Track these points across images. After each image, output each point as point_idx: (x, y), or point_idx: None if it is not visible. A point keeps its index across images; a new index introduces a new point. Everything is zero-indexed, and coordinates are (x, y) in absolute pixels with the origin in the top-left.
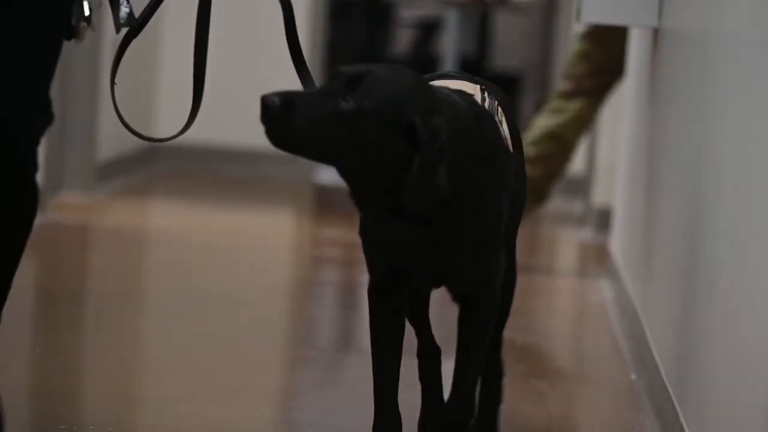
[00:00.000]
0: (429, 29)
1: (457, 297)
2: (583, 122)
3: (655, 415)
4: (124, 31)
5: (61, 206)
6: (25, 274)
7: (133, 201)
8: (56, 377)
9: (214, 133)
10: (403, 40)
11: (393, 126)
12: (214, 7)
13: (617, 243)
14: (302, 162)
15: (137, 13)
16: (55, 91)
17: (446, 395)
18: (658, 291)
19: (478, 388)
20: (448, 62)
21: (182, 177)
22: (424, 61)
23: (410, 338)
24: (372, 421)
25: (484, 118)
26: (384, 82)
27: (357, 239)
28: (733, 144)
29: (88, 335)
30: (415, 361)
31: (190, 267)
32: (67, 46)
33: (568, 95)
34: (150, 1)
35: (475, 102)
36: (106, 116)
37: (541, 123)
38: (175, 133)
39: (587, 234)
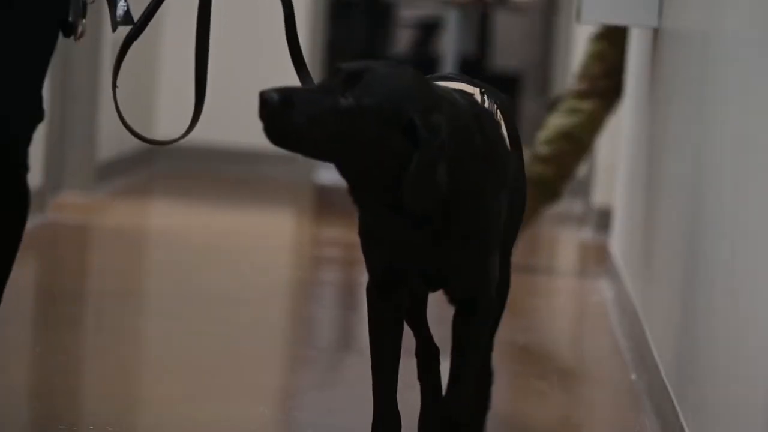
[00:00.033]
0: (429, 29)
1: (453, 298)
2: (597, 122)
3: (655, 415)
4: (122, 29)
5: (61, 206)
6: (25, 274)
7: (133, 201)
8: (56, 377)
9: (214, 133)
10: (403, 40)
11: (392, 123)
12: (214, 7)
13: (617, 243)
14: (302, 162)
15: (136, 14)
16: (55, 91)
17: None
18: (658, 291)
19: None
20: (448, 62)
21: (182, 177)
22: (424, 61)
23: (409, 338)
24: (371, 421)
25: (484, 116)
26: (384, 78)
27: (357, 239)
28: (733, 144)
29: (88, 335)
30: (413, 362)
31: (190, 267)
32: (67, 44)
33: (582, 95)
34: (148, 5)
35: (475, 101)
36: (106, 116)
37: (555, 122)
38: (175, 133)
39: (587, 234)
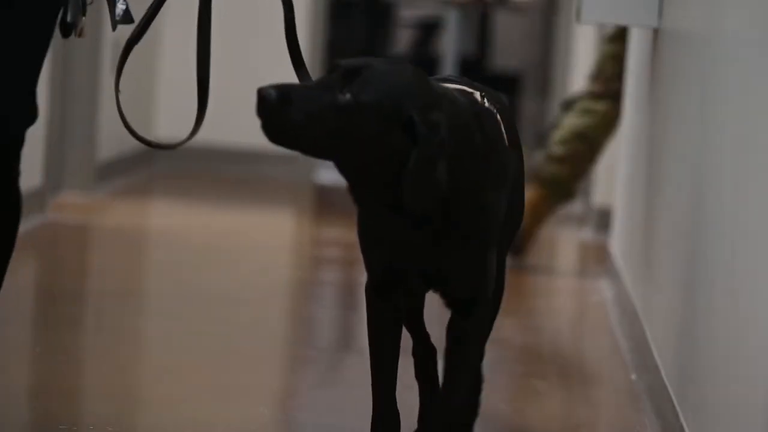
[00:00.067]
0: (429, 29)
1: (451, 299)
2: (611, 123)
3: (655, 415)
4: (122, 29)
5: (61, 206)
6: (25, 274)
7: (133, 201)
8: (56, 377)
9: (214, 133)
10: (403, 40)
11: (391, 120)
12: (214, 8)
13: (617, 243)
14: (302, 162)
15: (135, 13)
16: (55, 91)
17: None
18: (658, 291)
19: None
20: (448, 62)
21: (182, 177)
22: (424, 61)
23: (406, 338)
24: (370, 420)
25: (484, 115)
26: (382, 75)
27: (357, 239)
28: (733, 144)
29: (88, 335)
30: (411, 362)
31: (190, 267)
32: (67, 44)
33: (596, 96)
34: (149, 8)
35: (475, 100)
36: (106, 116)
37: (569, 123)
38: (175, 133)
39: (587, 234)
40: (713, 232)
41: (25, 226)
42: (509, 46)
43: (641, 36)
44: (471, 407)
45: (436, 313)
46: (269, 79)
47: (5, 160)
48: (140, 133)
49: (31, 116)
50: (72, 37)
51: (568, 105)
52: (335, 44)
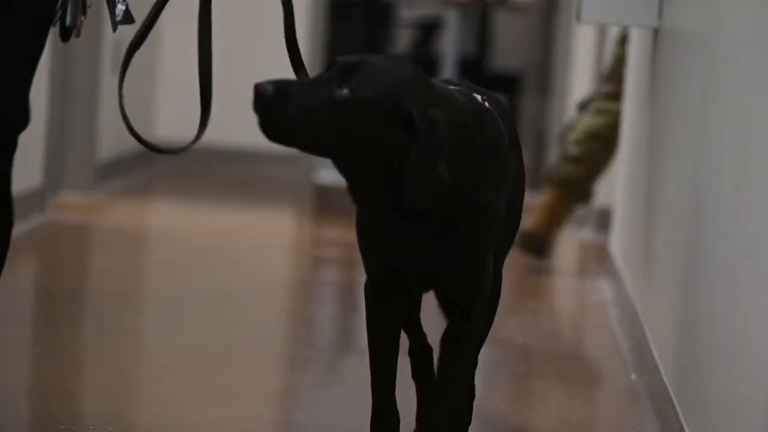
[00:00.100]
0: (429, 29)
1: (447, 301)
2: None
3: (655, 415)
4: (122, 30)
5: (61, 206)
6: (25, 274)
7: (133, 201)
8: (56, 377)
9: (214, 133)
10: (403, 40)
11: (389, 116)
12: (214, 8)
13: (617, 243)
14: (302, 162)
15: (135, 13)
16: (55, 91)
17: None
18: (658, 291)
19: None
20: (448, 62)
21: (182, 177)
22: (424, 61)
23: (403, 338)
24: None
25: (484, 115)
26: (381, 71)
27: (356, 239)
28: (733, 144)
29: (88, 335)
30: (409, 362)
31: (190, 267)
32: (68, 44)
33: (610, 96)
34: (149, 14)
35: (475, 99)
36: (106, 116)
37: (584, 123)
38: (174, 133)
39: (587, 234)
40: (713, 232)
41: (25, 226)
42: (509, 46)
43: (641, 36)
44: (464, 416)
45: (433, 313)
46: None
47: (4, 160)
48: (140, 133)
49: (25, 119)
50: (71, 39)
51: (584, 106)
52: (335, 44)
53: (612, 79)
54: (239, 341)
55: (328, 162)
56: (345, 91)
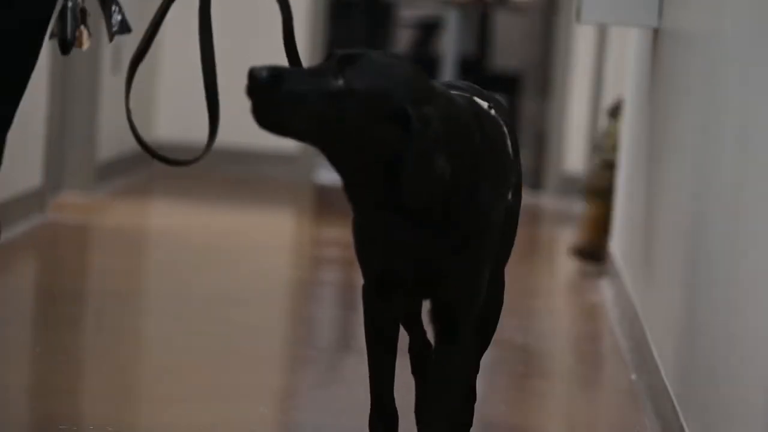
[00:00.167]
0: (429, 29)
1: (439, 310)
2: None
3: (655, 415)
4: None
5: (61, 206)
6: (25, 274)
7: (133, 201)
8: (56, 377)
9: None
10: (403, 40)
11: (383, 111)
12: (214, 8)
13: (617, 243)
14: (302, 162)
15: (132, 22)
16: (55, 91)
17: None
18: (658, 291)
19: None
20: (448, 62)
21: (182, 177)
22: (424, 61)
23: (403, 337)
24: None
25: (484, 115)
26: (379, 66)
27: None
28: (734, 144)
29: (88, 335)
30: (408, 362)
31: (190, 267)
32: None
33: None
34: (148, 28)
35: (474, 100)
36: (106, 116)
37: (619, 128)
38: (174, 133)
39: None
40: (713, 232)
41: (25, 226)
42: (509, 46)
43: (641, 36)
44: (465, 418)
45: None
46: None
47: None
48: (141, 133)
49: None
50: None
51: (614, 111)
52: (335, 44)
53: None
54: (239, 341)
55: (328, 162)
56: (340, 82)
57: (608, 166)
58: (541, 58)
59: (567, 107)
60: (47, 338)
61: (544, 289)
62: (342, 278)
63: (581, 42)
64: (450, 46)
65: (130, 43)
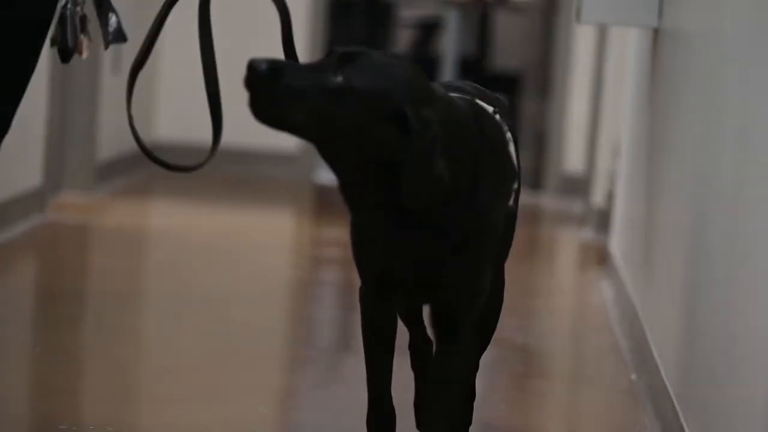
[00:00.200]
0: (429, 29)
1: (438, 313)
2: None
3: (655, 415)
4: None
5: (61, 206)
6: (25, 274)
7: (133, 201)
8: (56, 377)
9: None
10: (403, 40)
11: (381, 111)
12: (214, 8)
13: (617, 243)
14: (302, 162)
15: (128, 29)
16: (55, 91)
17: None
18: (658, 291)
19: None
20: (448, 62)
21: (182, 177)
22: (424, 61)
23: (402, 335)
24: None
25: (484, 117)
26: (379, 66)
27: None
28: (734, 144)
29: (88, 335)
30: (408, 363)
31: (190, 267)
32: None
33: None
34: (147, 36)
35: (474, 102)
36: (106, 116)
37: None
38: (174, 133)
39: (587, 234)
40: (713, 232)
41: (25, 226)
42: (509, 46)
43: (641, 36)
44: (464, 416)
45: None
46: None
47: None
48: (140, 132)
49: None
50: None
51: None
52: (335, 44)
53: None
54: (239, 341)
55: (324, 161)
56: (339, 79)
57: None
58: (541, 58)
59: (567, 107)
60: (47, 338)
61: (544, 288)
62: (342, 278)
63: (581, 42)
64: (450, 46)
65: (130, 44)
